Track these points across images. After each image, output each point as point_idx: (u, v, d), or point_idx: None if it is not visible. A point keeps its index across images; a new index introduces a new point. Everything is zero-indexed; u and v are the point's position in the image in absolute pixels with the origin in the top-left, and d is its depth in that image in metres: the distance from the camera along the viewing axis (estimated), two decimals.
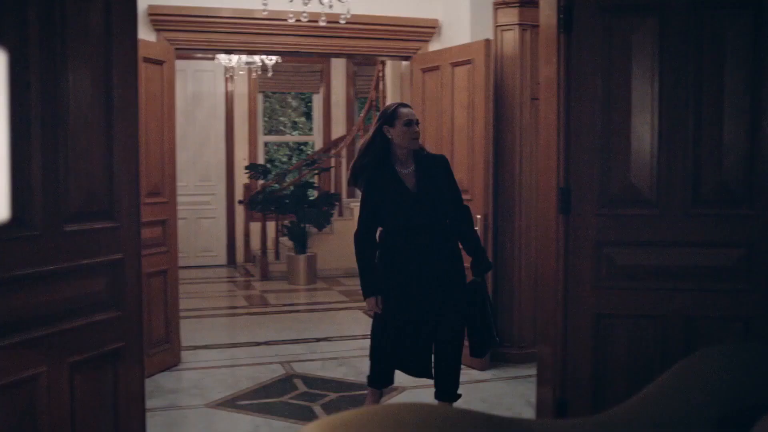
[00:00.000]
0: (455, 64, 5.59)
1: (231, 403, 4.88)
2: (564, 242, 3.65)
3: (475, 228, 5.30)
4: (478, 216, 5.27)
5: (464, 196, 5.46)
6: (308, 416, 4.60)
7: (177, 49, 5.79)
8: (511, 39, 5.57)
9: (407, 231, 3.95)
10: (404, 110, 3.98)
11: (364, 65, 11.55)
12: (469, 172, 5.43)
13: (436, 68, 5.81)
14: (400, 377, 5.48)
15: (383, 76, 9.51)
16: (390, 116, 3.96)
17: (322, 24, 5.44)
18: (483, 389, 5.10)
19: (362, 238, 4.04)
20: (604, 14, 3.67)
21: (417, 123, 4.01)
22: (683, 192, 3.60)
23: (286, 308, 8.35)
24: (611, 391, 3.61)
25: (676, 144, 3.60)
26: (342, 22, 5.44)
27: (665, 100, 3.60)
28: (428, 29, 6.17)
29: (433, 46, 6.18)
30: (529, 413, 4.46)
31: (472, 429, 1.87)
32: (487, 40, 5.36)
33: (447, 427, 1.89)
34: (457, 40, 5.82)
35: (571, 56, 3.68)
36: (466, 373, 5.44)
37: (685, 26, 3.58)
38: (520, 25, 5.53)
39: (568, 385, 3.70)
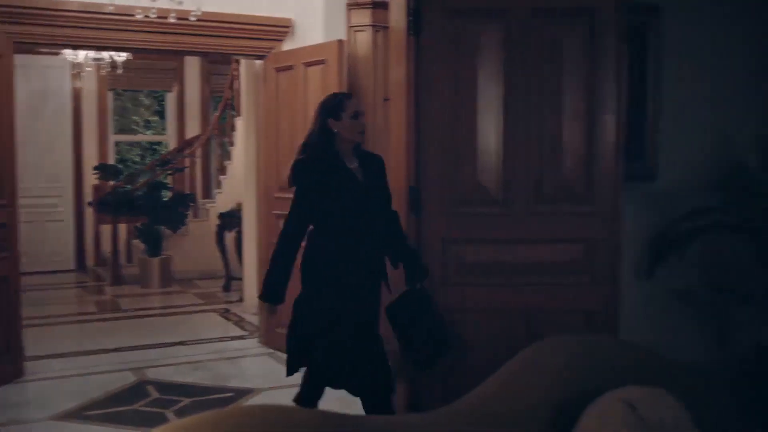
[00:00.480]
0: (308, 64, 5.59)
1: (79, 414, 4.67)
2: (415, 241, 3.73)
3: None
4: None
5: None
6: (160, 423, 4.46)
7: (17, 42, 5.49)
8: (364, 40, 5.63)
9: (359, 227, 3.59)
10: (351, 101, 3.67)
11: (219, 63, 11.34)
12: None
13: (289, 68, 5.79)
14: (256, 380, 5.44)
15: (238, 75, 9.37)
16: (335, 108, 3.62)
17: (172, 21, 5.30)
18: None
19: (292, 236, 3.64)
20: (451, 18, 3.76)
21: (363, 114, 3.71)
22: (527, 191, 3.75)
23: (138, 313, 8.08)
24: (463, 385, 3.70)
25: (521, 145, 3.75)
26: (192, 19, 5.32)
27: (510, 103, 3.74)
28: (282, 28, 6.13)
29: (288, 46, 6.15)
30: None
31: (319, 429, 1.88)
32: (340, 41, 5.39)
33: (294, 428, 1.88)
34: (311, 40, 5.82)
35: (420, 58, 3.76)
36: None
37: (527, 32, 3.74)
38: (373, 26, 5.60)
39: (418, 381, 3.78)
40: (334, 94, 3.82)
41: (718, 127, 4.92)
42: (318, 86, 5.53)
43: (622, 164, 3.80)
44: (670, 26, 4.70)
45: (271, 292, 3.67)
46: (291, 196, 5.74)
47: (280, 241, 3.68)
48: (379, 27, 5.55)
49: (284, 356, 5.85)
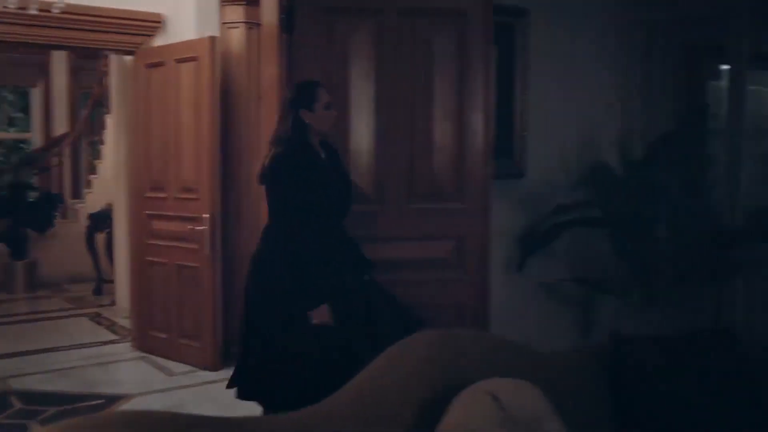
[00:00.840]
0: (180, 61, 5.46)
1: None
2: None
3: (204, 228, 5.26)
4: (206, 215, 5.22)
5: (191, 195, 5.40)
6: None
7: None
8: (237, 37, 5.55)
9: (339, 223, 3.40)
10: (323, 91, 3.40)
11: (88, 58, 10.91)
12: (197, 171, 5.34)
13: (161, 64, 5.65)
14: (128, 385, 5.28)
15: (108, 70, 9.06)
16: (309, 99, 3.35)
17: (33, 12, 5.06)
18: (215, 390, 5.04)
19: (304, 229, 3.24)
20: (324, 16, 3.78)
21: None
22: (400, 189, 3.81)
23: (2, 320, 7.67)
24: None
25: (393, 143, 3.80)
26: (56, 11, 5.09)
27: (382, 101, 3.78)
28: (153, 23, 5.96)
29: (159, 42, 5.98)
30: (260, 411, 4.46)
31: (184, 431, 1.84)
32: (212, 37, 5.29)
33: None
34: (183, 36, 5.69)
35: (292, 56, 3.74)
36: (198, 375, 5.36)
37: (399, 32, 3.79)
38: (246, 23, 5.52)
39: None
40: (305, 84, 3.48)
41: (583, 126, 5.13)
42: (191, 84, 5.41)
43: (490, 162, 3.91)
44: (536, 28, 4.86)
45: (320, 290, 3.26)
46: (165, 195, 5.64)
47: (293, 237, 3.26)
48: (253, 24, 5.48)
49: (158, 360, 5.77)
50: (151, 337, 5.87)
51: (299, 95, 3.40)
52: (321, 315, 3.26)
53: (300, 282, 3.27)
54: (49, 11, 5.12)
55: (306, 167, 3.33)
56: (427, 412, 1.97)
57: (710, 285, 4.88)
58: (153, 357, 5.83)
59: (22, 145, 12.82)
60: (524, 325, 4.71)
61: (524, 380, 2.09)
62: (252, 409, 4.57)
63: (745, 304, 4.82)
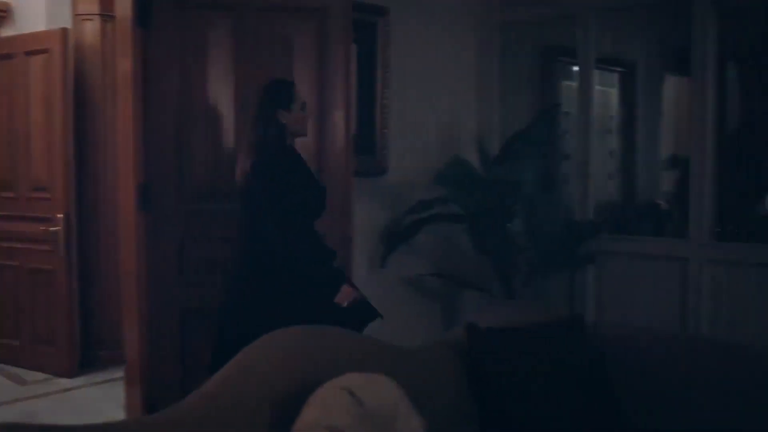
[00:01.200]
0: (30, 53, 5.20)
1: None
2: (145, 239, 3.61)
3: (57, 228, 5.04)
4: (60, 215, 5.00)
5: (44, 195, 5.18)
6: None
7: None
8: (91, 29, 5.34)
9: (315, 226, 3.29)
10: (298, 90, 3.30)
11: None
12: (49, 170, 5.11)
13: (8, 56, 5.36)
14: None
15: None
16: (286, 98, 3.23)
17: None
18: (73, 397, 4.86)
19: (309, 227, 3.22)
20: (180, 10, 3.70)
21: None
22: None
23: None
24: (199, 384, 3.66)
25: None
26: None
27: (241, 99, 3.72)
28: None
29: (6, 33, 5.67)
30: (121, 416, 4.34)
31: None
32: (64, 29, 5.07)
33: None
34: (33, 27, 5.42)
35: (147, 51, 3.64)
36: (55, 382, 5.13)
37: (258, 28, 3.76)
38: (101, 15, 5.32)
39: (155, 383, 3.67)
40: (280, 82, 3.35)
41: (443, 123, 5.25)
42: (42, 77, 5.17)
43: (352, 159, 3.94)
44: (396, 26, 4.93)
45: (338, 274, 3.30)
46: (14, 195, 5.35)
47: (299, 236, 3.16)
48: (108, 16, 5.28)
49: (9, 368, 5.46)
50: (0, 344, 5.58)
51: (276, 95, 3.26)
52: (346, 295, 3.25)
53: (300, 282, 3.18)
54: None
55: (290, 170, 3.21)
56: (284, 410, 1.96)
57: (564, 275, 5.11)
58: (3, 366, 5.53)
59: None
60: (389, 320, 4.77)
61: (380, 374, 2.12)
62: (112, 415, 4.45)
63: (594, 292, 5.06)
